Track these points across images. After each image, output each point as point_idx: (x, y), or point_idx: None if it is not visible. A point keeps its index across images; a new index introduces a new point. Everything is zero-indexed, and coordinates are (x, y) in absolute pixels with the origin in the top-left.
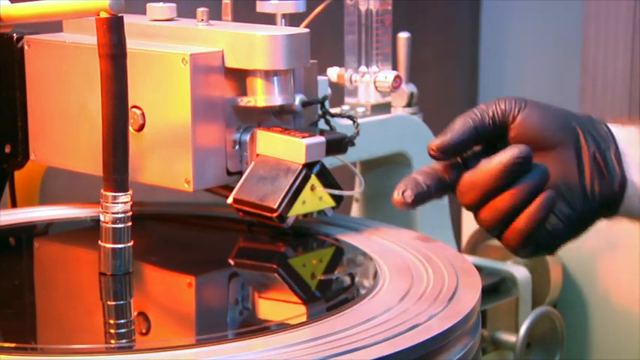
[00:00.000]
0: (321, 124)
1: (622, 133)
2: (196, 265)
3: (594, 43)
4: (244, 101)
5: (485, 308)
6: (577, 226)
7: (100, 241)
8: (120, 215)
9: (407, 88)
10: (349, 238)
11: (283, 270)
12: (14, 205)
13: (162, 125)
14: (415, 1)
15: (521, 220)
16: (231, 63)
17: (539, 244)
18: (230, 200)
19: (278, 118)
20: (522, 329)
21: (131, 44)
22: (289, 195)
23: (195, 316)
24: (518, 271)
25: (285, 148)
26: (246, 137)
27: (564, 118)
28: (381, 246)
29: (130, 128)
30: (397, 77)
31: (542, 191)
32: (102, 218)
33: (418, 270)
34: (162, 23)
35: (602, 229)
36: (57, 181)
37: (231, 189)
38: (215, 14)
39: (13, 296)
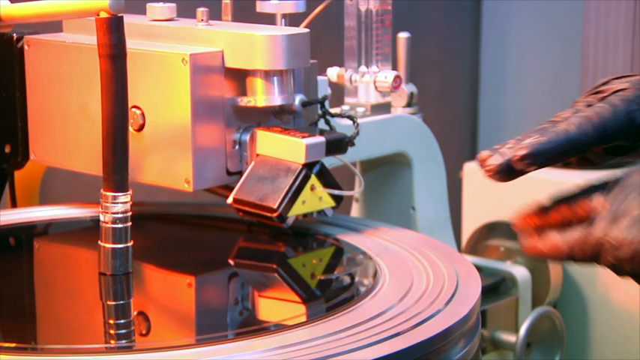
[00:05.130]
0: (321, 124)
1: None
2: (196, 265)
3: (594, 43)
4: (244, 101)
5: (485, 308)
6: None
7: (100, 241)
8: (120, 215)
9: (407, 88)
10: (349, 238)
11: (283, 270)
12: (14, 205)
13: (162, 125)
14: (415, 1)
15: None
16: (231, 63)
17: None
18: (230, 200)
19: (278, 118)
20: (522, 329)
21: (131, 44)
22: (289, 195)
23: (195, 316)
24: (518, 271)
25: (285, 148)
26: (246, 137)
27: None
28: (381, 246)
29: (130, 128)
30: (397, 77)
31: None
32: (102, 218)
33: (418, 270)
34: (162, 23)
35: None
36: (57, 181)
37: (231, 189)
38: (215, 14)
39: (13, 296)
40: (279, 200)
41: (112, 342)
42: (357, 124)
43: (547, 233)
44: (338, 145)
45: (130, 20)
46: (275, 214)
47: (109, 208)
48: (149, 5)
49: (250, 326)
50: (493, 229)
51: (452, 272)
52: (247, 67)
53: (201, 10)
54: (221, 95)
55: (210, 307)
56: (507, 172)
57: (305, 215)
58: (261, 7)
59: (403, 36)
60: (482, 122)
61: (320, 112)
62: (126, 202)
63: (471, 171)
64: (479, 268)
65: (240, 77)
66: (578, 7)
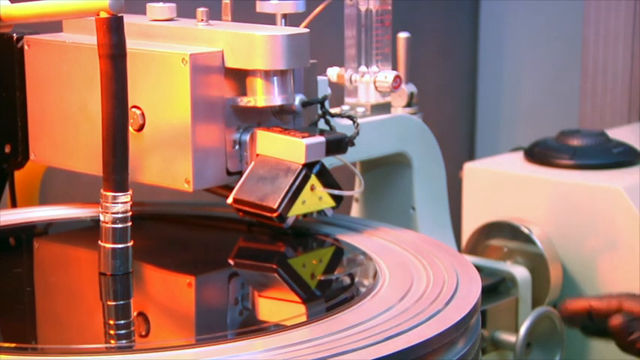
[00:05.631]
0: (321, 124)
1: None
2: (196, 265)
3: (594, 43)
4: (244, 101)
5: (485, 308)
6: None
7: (100, 241)
8: (120, 215)
9: (407, 88)
10: (349, 238)
11: (283, 270)
12: (14, 205)
13: (162, 125)
14: (415, 1)
15: None
16: (231, 63)
17: None
18: (230, 200)
19: (278, 118)
20: (522, 329)
21: (131, 44)
22: (289, 195)
23: (195, 316)
24: (518, 271)
25: (285, 148)
26: (246, 137)
27: None
28: (381, 246)
29: (130, 128)
30: (397, 77)
31: None
32: (102, 218)
33: (418, 270)
34: (162, 23)
35: (602, 229)
36: (57, 181)
37: (231, 189)
38: (215, 14)
39: (13, 296)
40: (279, 200)
41: (112, 342)
42: (357, 124)
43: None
44: (338, 145)
45: (130, 20)
46: (275, 214)
47: (109, 208)
48: (149, 5)
49: (250, 326)
50: (493, 229)
51: (452, 272)
52: (247, 67)
53: (201, 10)
54: (221, 95)
55: (210, 307)
56: None
57: (305, 215)
58: (261, 7)
59: (403, 36)
60: (480, 122)
61: (320, 112)
62: (126, 202)
63: (471, 171)
64: (479, 268)
65: (240, 77)
66: (578, 7)
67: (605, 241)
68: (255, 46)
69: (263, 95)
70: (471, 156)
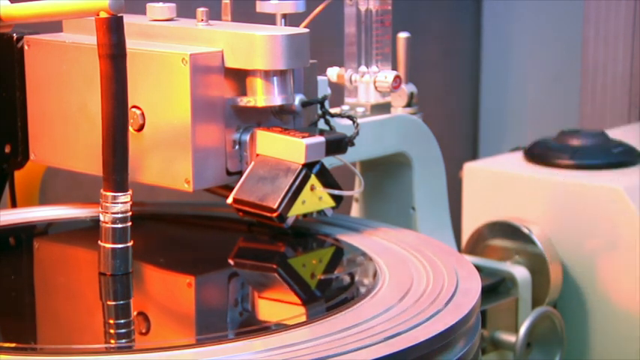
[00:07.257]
0: (321, 124)
1: None
2: (196, 265)
3: (594, 43)
4: (244, 101)
5: (485, 308)
6: None
7: (99, 241)
8: (120, 215)
9: (407, 88)
10: (349, 238)
11: (283, 270)
12: (14, 205)
13: (162, 125)
14: (415, 1)
15: None
16: (231, 63)
17: None
18: (230, 200)
19: (278, 118)
20: (522, 329)
21: (131, 44)
22: (289, 195)
23: (195, 316)
24: (518, 271)
25: (285, 148)
26: (246, 137)
27: None
28: (381, 246)
29: (130, 128)
30: (397, 77)
31: None
32: (102, 218)
33: (418, 270)
34: (162, 23)
35: (602, 229)
36: (57, 181)
37: (231, 189)
38: (215, 14)
39: (13, 296)
40: (279, 200)
41: (112, 342)
42: (357, 124)
43: None
44: (338, 145)
45: (130, 20)
46: (275, 214)
47: (109, 208)
48: (149, 5)
49: (250, 326)
50: (493, 229)
51: (452, 272)
52: (247, 67)
53: (201, 10)
54: (221, 95)
55: (210, 307)
56: None
57: (305, 215)
58: (261, 7)
59: (403, 36)
60: (483, 122)
61: (320, 112)
62: (126, 202)
63: (471, 171)
64: (479, 268)
65: (240, 77)
66: (578, 7)
67: (605, 242)
68: (255, 46)
69: (263, 95)
70: (475, 156)
